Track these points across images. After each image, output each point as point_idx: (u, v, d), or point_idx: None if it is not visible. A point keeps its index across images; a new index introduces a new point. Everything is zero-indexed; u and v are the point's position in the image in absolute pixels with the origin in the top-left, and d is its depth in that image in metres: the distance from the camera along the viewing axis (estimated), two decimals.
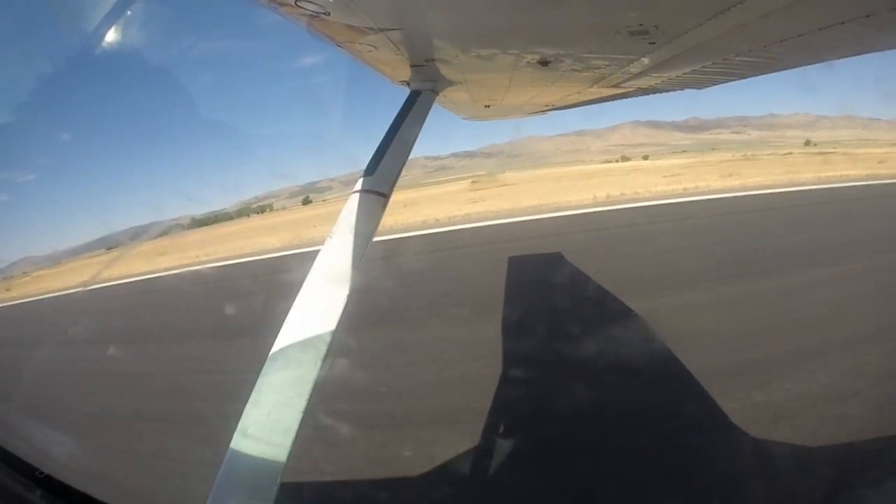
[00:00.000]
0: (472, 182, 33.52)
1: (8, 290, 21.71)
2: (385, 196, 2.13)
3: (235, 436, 1.53)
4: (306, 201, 49.28)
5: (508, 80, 2.70)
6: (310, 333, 1.73)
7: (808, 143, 46.55)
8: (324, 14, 1.49)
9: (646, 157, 50.11)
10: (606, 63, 2.20)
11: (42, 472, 1.50)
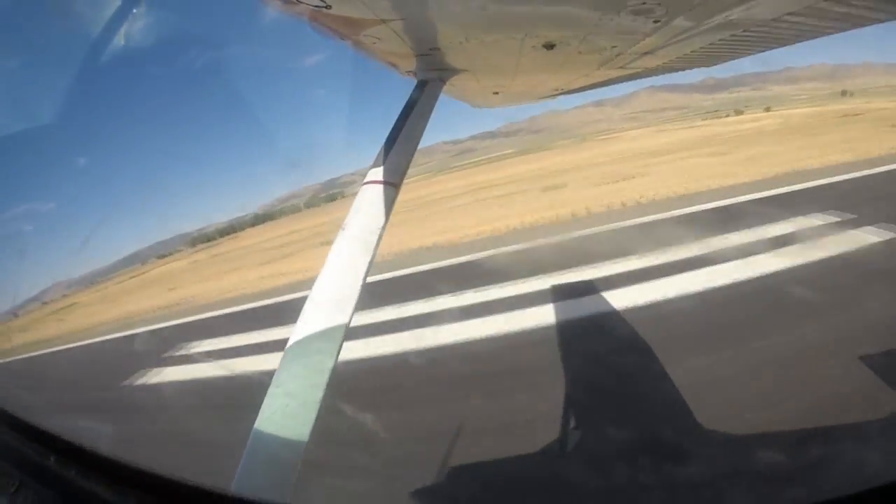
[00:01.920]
0: None
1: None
2: (395, 186, 2.16)
3: (257, 421, 1.60)
4: None
5: (515, 65, 2.68)
6: (326, 324, 1.78)
7: (844, 93, 44.79)
8: (325, 7, 1.51)
9: (767, 109, 48.60)
10: (612, 44, 2.18)
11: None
